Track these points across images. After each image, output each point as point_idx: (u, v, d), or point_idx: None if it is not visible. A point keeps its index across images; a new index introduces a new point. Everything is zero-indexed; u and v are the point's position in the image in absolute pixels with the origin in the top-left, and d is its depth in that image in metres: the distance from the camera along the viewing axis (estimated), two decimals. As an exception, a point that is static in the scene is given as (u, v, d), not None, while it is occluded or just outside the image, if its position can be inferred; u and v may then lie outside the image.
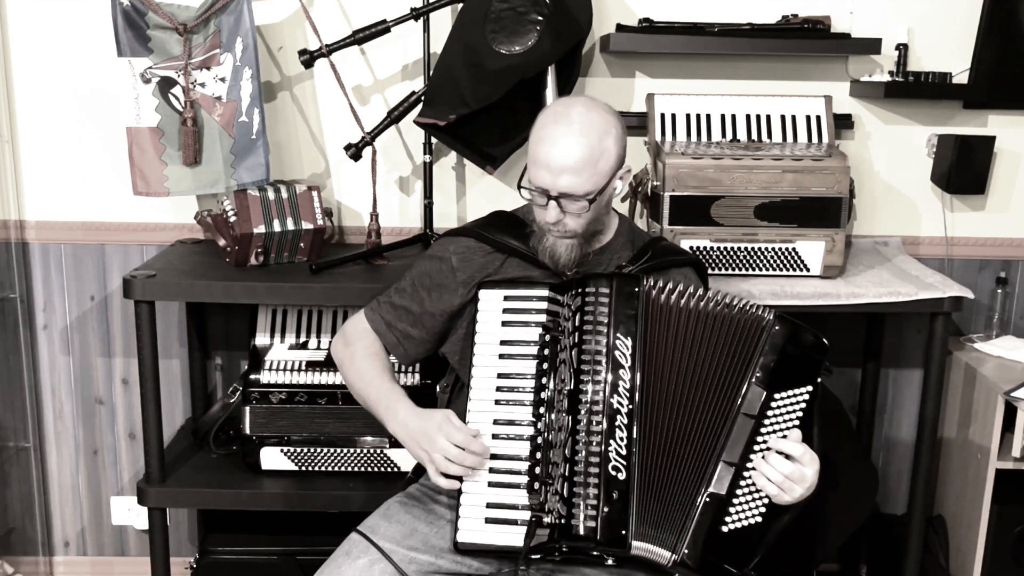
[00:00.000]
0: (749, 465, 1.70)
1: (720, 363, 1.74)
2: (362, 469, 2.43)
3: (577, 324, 1.75)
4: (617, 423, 1.71)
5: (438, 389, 2.33)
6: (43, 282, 2.78)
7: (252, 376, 2.42)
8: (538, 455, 1.74)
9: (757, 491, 1.71)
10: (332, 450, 2.41)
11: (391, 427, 1.88)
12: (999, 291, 2.78)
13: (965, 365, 2.64)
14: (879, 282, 2.40)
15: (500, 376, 1.80)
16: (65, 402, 2.85)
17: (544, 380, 1.76)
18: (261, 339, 2.53)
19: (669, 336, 1.75)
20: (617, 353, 1.73)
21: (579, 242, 1.90)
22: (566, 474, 1.70)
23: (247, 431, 2.41)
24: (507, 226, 2.00)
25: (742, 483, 1.71)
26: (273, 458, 2.42)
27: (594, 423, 1.71)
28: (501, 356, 1.81)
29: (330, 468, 2.43)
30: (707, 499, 1.70)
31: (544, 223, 1.88)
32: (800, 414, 1.72)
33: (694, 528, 1.70)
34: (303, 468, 2.43)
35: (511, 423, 1.78)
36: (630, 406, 1.72)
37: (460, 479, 1.78)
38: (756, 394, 1.71)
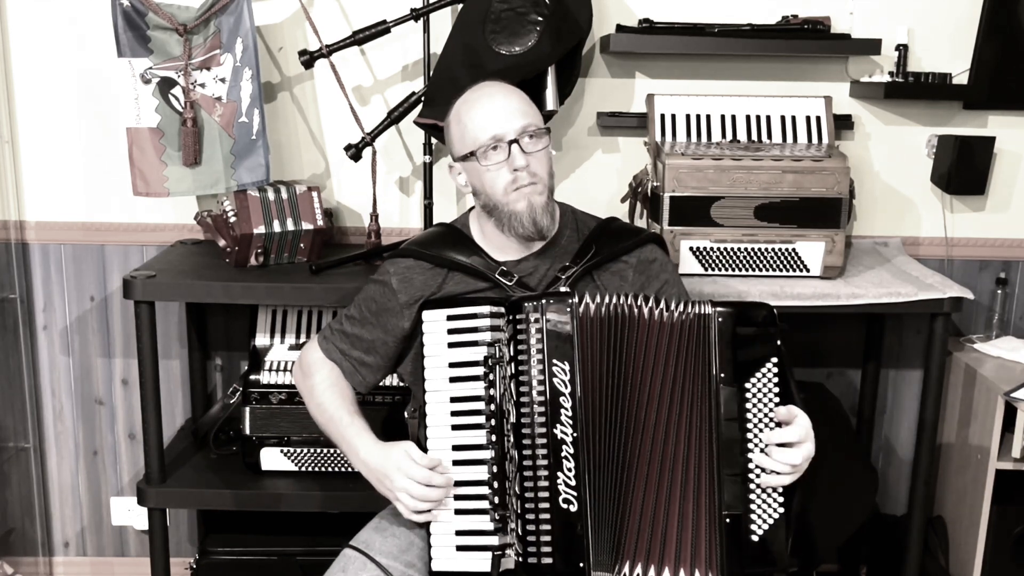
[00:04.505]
0: (751, 467, 1.67)
1: (678, 372, 1.69)
2: (362, 469, 2.43)
3: (512, 354, 1.68)
4: (563, 454, 1.65)
5: (406, 415, 2.32)
6: (43, 282, 2.78)
7: (252, 376, 2.42)
8: (495, 484, 1.71)
9: (770, 487, 1.67)
10: (332, 450, 2.41)
11: (355, 464, 1.87)
12: (999, 292, 2.78)
13: (965, 366, 2.64)
14: (879, 283, 2.40)
15: (453, 400, 1.76)
16: (65, 402, 2.85)
17: (492, 407, 1.72)
18: (261, 339, 2.53)
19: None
20: (556, 380, 1.66)
21: (548, 198, 1.86)
22: (519, 511, 1.67)
23: (247, 431, 2.41)
24: (448, 239, 1.95)
25: (752, 487, 1.66)
26: (273, 458, 2.42)
27: (539, 456, 1.65)
28: (452, 379, 1.76)
29: (330, 468, 2.43)
30: (727, 520, 1.66)
31: (511, 179, 1.81)
32: (776, 388, 1.67)
33: (726, 549, 1.66)
34: (303, 468, 2.43)
35: (470, 448, 1.75)
36: (575, 434, 1.65)
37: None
38: (729, 395, 1.66)
